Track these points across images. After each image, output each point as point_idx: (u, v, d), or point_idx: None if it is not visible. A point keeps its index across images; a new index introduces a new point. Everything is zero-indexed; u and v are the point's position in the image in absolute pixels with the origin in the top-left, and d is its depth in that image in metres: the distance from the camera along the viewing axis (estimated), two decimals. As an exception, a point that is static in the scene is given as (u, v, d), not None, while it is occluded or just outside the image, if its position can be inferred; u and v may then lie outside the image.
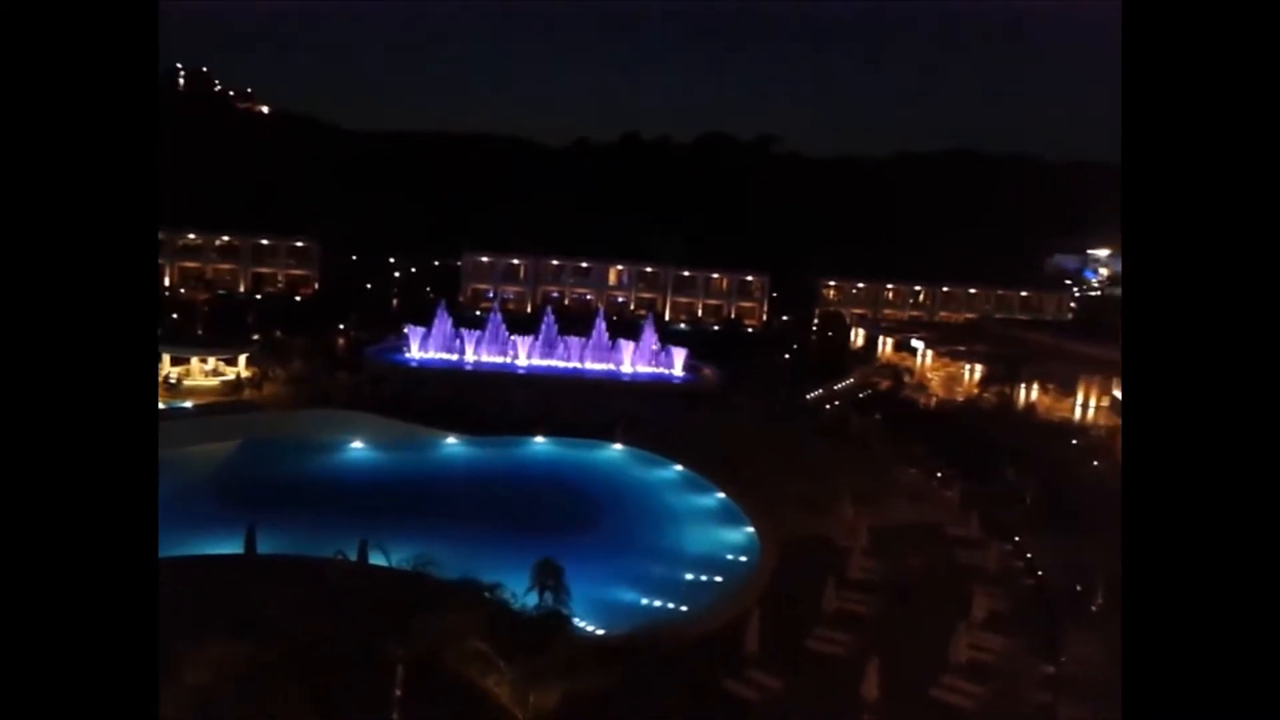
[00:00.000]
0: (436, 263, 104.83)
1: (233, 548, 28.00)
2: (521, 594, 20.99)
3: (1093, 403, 58.27)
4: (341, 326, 68.84)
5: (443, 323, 63.39)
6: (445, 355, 62.26)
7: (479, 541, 30.15)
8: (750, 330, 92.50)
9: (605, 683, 19.01)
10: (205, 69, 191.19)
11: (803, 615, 27.16)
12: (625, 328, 68.63)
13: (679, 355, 63.49)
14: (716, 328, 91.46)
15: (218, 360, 51.51)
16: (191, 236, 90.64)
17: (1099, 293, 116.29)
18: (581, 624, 24.34)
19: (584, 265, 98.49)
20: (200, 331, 60.07)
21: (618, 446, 45.73)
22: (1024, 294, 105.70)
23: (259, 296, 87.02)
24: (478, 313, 75.92)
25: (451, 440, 45.77)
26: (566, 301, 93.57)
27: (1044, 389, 61.68)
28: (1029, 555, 33.31)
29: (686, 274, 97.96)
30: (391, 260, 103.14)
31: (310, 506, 33.90)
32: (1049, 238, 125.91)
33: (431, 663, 18.96)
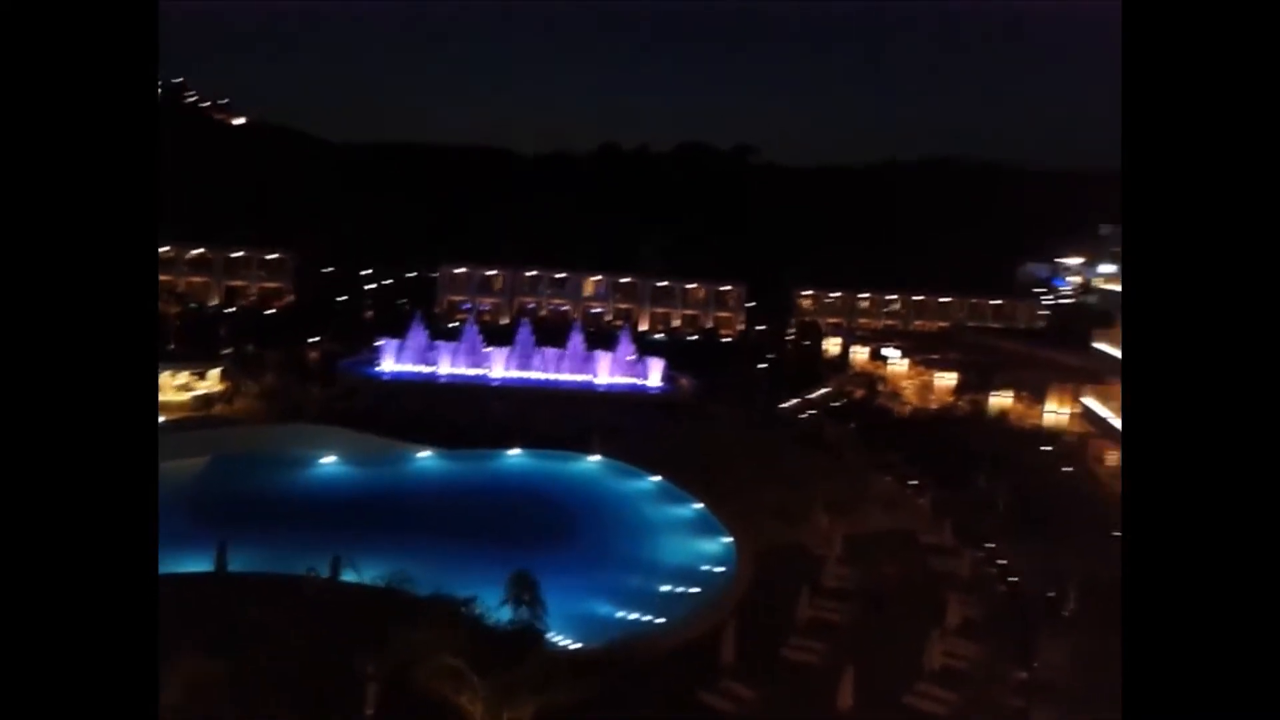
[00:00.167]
0: (412, 275, 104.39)
1: (203, 565, 27.66)
2: (496, 608, 20.91)
3: (1064, 410, 58.97)
4: (315, 340, 68.33)
5: (418, 335, 63.07)
6: (420, 368, 61.96)
7: (454, 556, 30.00)
8: (727, 340, 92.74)
9: (580, 696, 18.95)
10: (180, 79, 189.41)
11: (779, 625, 27.23)
12: (602, 338, 68.62)
13: (656, 366, 63.55)
14: (693, 338, 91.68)
15: (189, 375, 50.96)
16: (163, 249, 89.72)
17: (1070, 301, 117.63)
18: (557, 638, 24.25)
19: (560, 277, 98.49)
20: (171, 345, 59.40)
21: (594, 458, 45.67)
22: (996, 302, 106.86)
23: (231, 310, 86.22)
24: (453, 325, 75.57)
25: (426, 453, 45.52)
26: (543, 313, 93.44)
27: (1016, 396, 62.34)
28: (1002, 562, 33.60)
29: (663, 285, 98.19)
30: (366, 273, 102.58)
31: (282, 523, 33.57)
32: (1020, 246, 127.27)
33: (404, 679, 18.83)
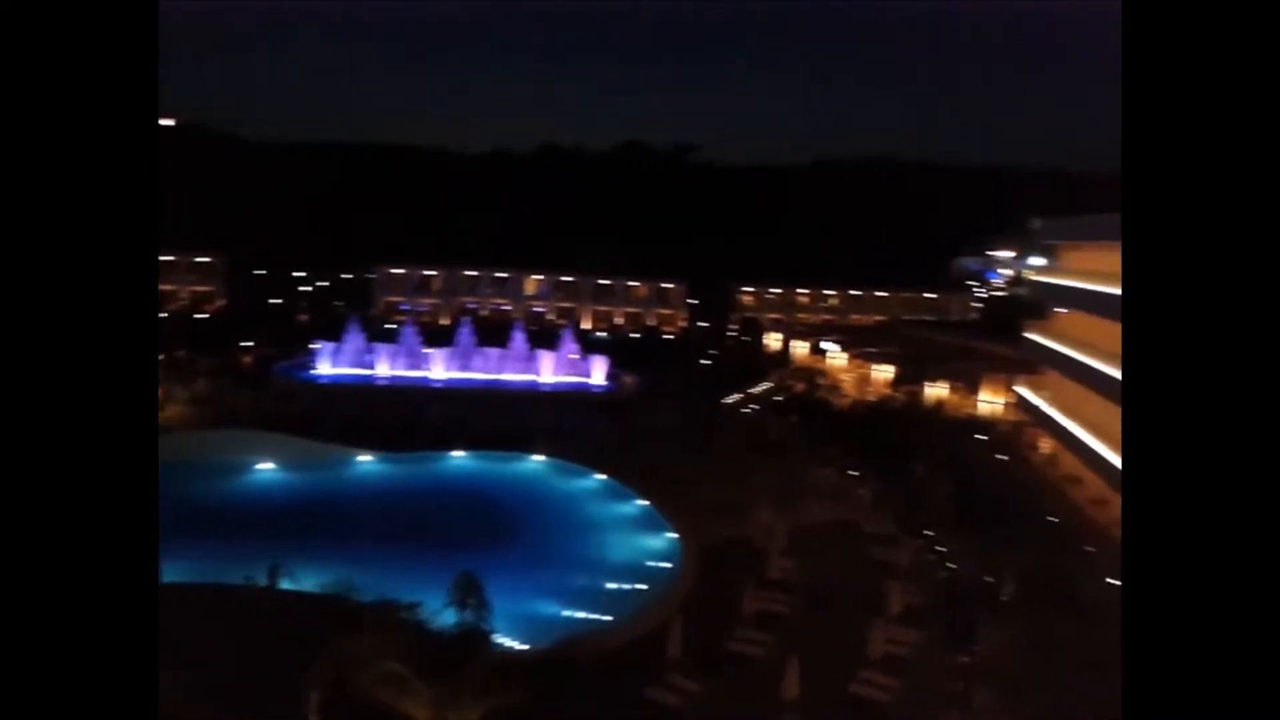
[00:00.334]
0: (348, 276, 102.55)
1: (134, 578, 26.71)
2: (440, 612, 20.65)
3: (998, 399, 60.60)
4: (248, 344, 66.64)
5: (355, 337, 61.97)
6: (358, 370, 60.89)
7: (397, 561, 29.56)
8: (669, 337, 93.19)
9: (526, 698, 18.81)
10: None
11: (725, 618, 27.43)
12: (544, 338, 68.30)
13: (599, 364, 63.49)
14: (636, 336, 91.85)
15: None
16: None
17: (1001, 293, 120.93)
18: (503, 639, 24.06)
19: (501, 276, 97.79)
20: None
21: (538, 457, 45.42)
22: (930, 296, 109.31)
23: (162, 315, 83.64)
24: (391, 326, 74.45)
25: (365, 458, 44.74)
26: (484, 313, 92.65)
27: (952, 387, 63.88)
28: (941, 549, 34.35)
29: (605, 283, 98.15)
30: (301, 275, 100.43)
31: (218, 531, 32.60)
32: (953, 241, 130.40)
33: (348, 687, 18.48)
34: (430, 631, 20.36)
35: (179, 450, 42.51)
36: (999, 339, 70.75)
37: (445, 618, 20.56)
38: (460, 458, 45.74)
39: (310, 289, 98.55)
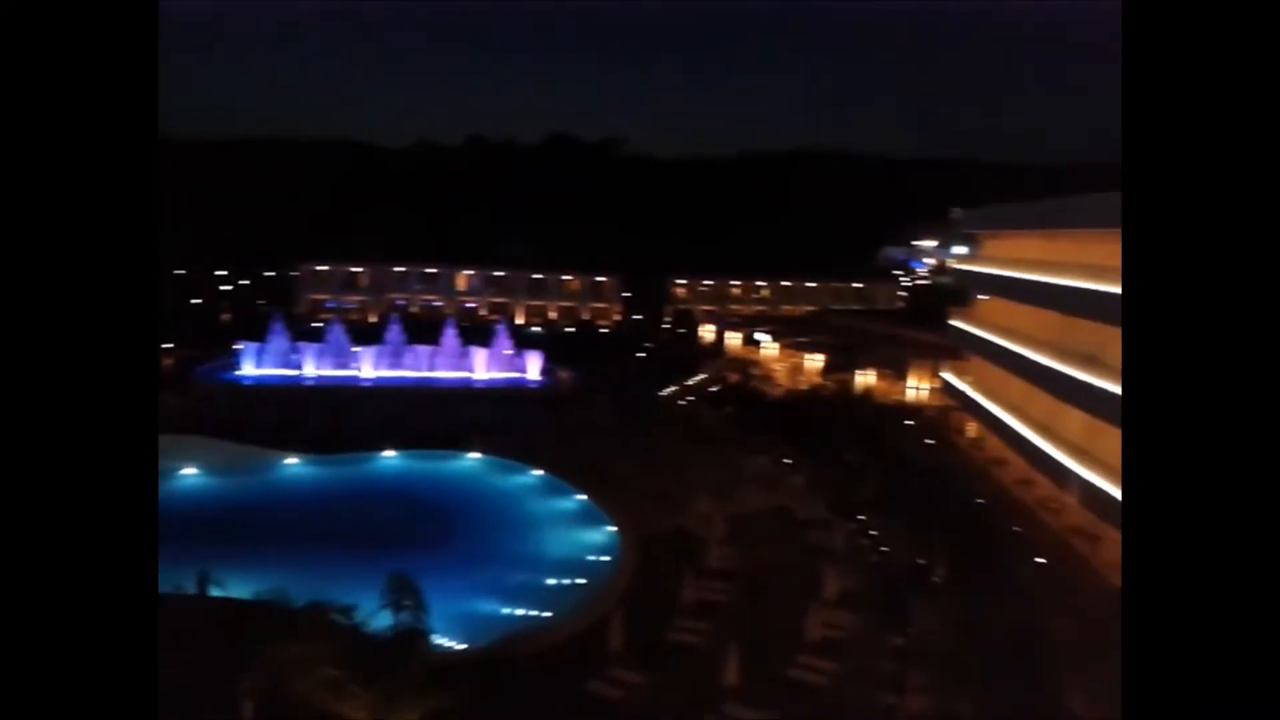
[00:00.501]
0: (271, 274, 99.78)
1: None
2: (376, 615, 20.29)
3: (924, 385, 62.18)
4: (168, 345, 64.27)
5: (279, 337, 60.32)
6: (283, 371, 59.30)
7: (330, 565, 28.87)
8: (604, 331, 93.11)
9: (465, 697, 18.63)
10: None
11: (665, 609, 27.57)
12: (477, 333, 67.52)
13: (534, 359, 63.08)
14: (570, 330, 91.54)
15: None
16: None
17: (926, 282, 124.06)
18: (442, 640, 23.77)
19: (431, 271, 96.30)
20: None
21: (473, 455, 44.93)
22: (858, 285, 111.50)
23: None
24: (317, 325, 72.71)
25: (293, 460, 43.64)
26: (414, 309, 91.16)
27: (880, 374, 65.31)
28: (873, 533, 35.11)
29: (538, 277, 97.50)
30: (222, 273, 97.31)
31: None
32: (878, 231, 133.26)
33: (283, 693, 18.04)
34: (367, 634, 19.99)
35: (95, 458, 40.90)
36: (924, 326, 72.57)
37: (381, 620, 20.22)
38: (392, 458, 44.97)
39: (231, 288, 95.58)
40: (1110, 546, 32.71)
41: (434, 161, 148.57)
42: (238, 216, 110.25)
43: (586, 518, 37.45)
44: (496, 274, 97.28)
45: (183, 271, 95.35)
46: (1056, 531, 36.44)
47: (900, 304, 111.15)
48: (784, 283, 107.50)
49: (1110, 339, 34.47)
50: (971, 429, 52.12)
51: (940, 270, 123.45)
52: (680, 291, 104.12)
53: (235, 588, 25.47)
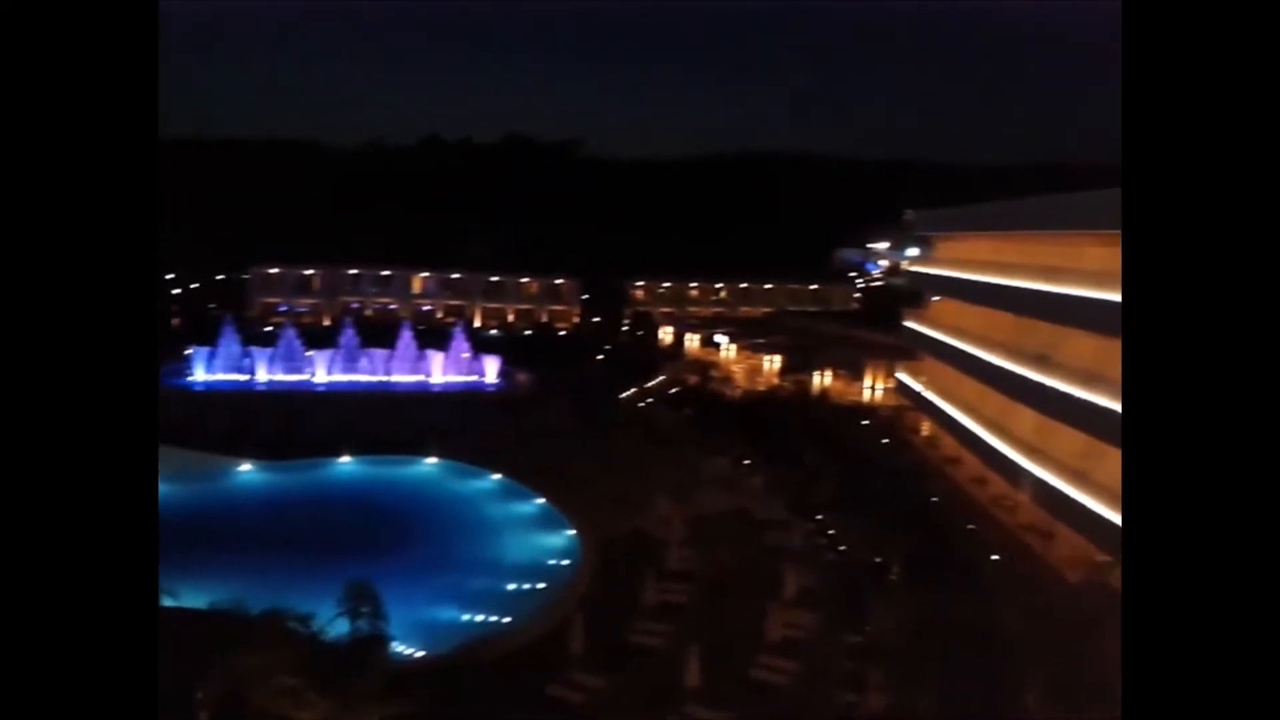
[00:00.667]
0: (220, 278, 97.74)
1: None
2: (334, 622, 19.99)
3: (879, 385, 63.04)
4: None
5: (230, 341, 59.08)
6: (235, 376, 58.12)
7: (286, 573, 28.33)
8: (563, 333, 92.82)
9: (424, 704, 18.44)
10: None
11: (625, 611, 27.54)
12: (434, 337, 66.80)
13: (491, 363, 62.63)
14: (529, 332, 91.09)
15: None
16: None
17: (880, 283, 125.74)
18: (401, 647, 23.51)
19: (385, 274, 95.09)
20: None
21: (431, 460, 44.49)
22: (813, 287, 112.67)
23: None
24: (269, 329, 71.43)
25: (246, 467, 42.82)
26: (368, 313, 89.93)
27: (836, 375, 66.08)
28: (831, 532, 35.46)
29: (495, 279, 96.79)
30: (170, 277, 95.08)
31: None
32: (833, 233, 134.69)
33: (240, 703, 17.69)
34: (325, 642, 19.68)
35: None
36: (879, 327, 73.46)
37: (339, 627, 19.94)
38: (348, 463, 44.35)
39: (180, 291, 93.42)
40: (1063, 543, 33.43)
41: (387, 162, 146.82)
42: (184, 219, 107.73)
43: (546, 521, 37.29)
44: (452, 276, 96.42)
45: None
46: (1011, 529, 37.15)
47: (855, 306, 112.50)
48: (741, 285, 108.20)
49: (1060, 339, 35.25)
50: (926, 428, 52.93)
51: (894, 272, 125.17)
52: (638, 294, 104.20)
53: (189, 597, 24.88)
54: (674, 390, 63.65)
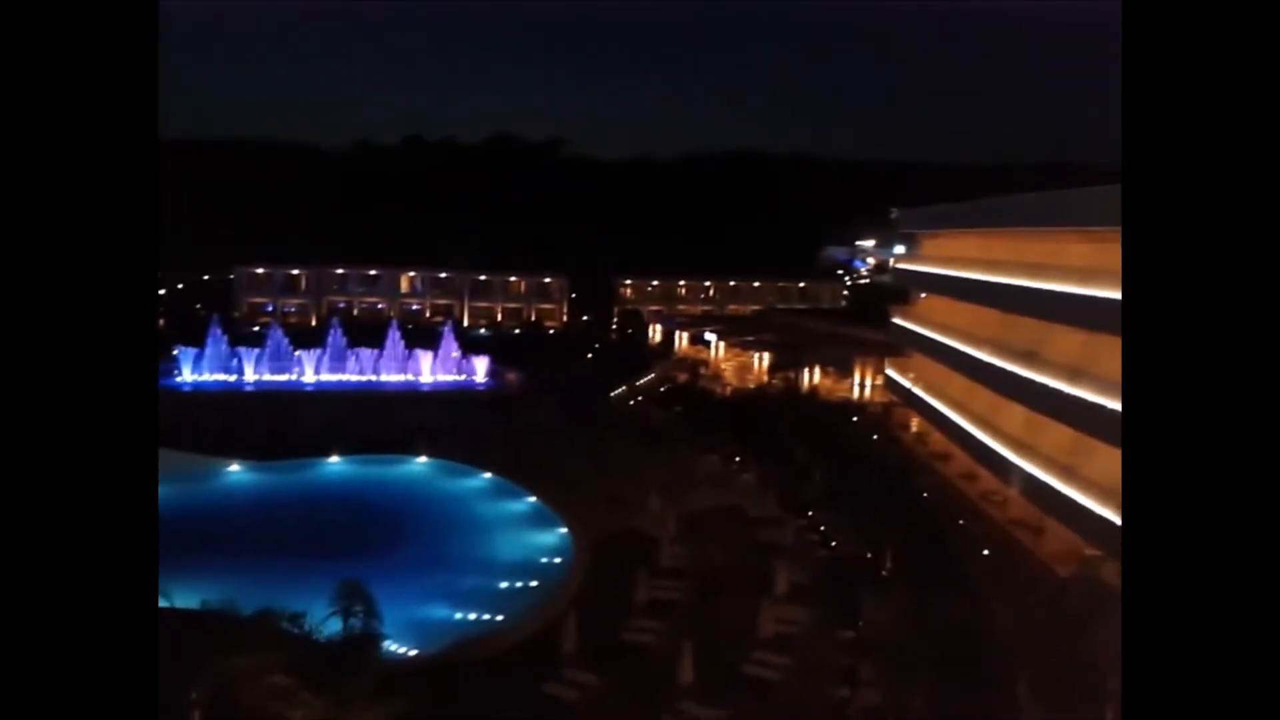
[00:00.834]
0: (206, 278, 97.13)
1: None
2: (327, 622, 19.93)
3: (868, 381, 63.26)
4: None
5: (217, 341, 58.73)
6: (222, 376, 57.80)
7: (278, 573, 28.21)
8: (552, 332, 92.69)
9: (418, 703, 18.41)
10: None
11: (619, 609, 27.56)
12: (423, 336, 66.60)
13: (480, 362, 62.51)
14: (517, 331, 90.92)
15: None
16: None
17: (867, 281, 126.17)
18: (394, 646, 23.46)
19: (372, 273, 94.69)
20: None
21: (421, 459, 44.39)
22: (802, 285, 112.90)
23: None
24: (256, 329, 71.02)
25: (235, 467, 42.62)
26: (355, 312, 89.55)
27: (825, 372, 66.24)
28: (822, 528, 35.58)
29: (483, 278, 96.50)
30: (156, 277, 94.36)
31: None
32: (820, 231, 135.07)
33: (232, 703, 17.61)
34: (317, 642, 19.62)
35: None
36: (867, 324, 73.63)
37: (332, 627, 19.89)
38: (338, 463, 44.20)
39: (165, 291, 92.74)
40: (1052, 538, 33.66)
41: (372, 162, 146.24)
42: (172, 219, 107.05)
43: (538, 520, 37.27)
44: (440, 275, 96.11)
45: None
46: (1000, 524, 37.37)
47: (843, 303, 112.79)
48: (730, 282, 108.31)
49: (1046, 334, 35.48)
50: (915, 424, 53.16)
51: (881, 269, 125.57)
52: (627, 292, 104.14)
53: (181, 598, 24.75)
54: (664, 388, 63.71)
